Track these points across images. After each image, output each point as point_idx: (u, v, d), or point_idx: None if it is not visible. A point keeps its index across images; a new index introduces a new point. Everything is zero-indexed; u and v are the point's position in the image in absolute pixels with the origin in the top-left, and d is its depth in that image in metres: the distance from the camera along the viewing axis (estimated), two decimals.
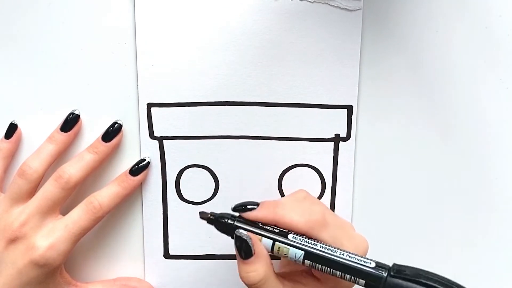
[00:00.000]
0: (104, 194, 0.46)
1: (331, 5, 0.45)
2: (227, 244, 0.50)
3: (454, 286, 0.38)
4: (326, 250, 0.40)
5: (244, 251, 0.41)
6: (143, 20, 0.45)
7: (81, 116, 0.47)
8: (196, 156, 0.48)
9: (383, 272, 0.39)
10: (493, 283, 0.52)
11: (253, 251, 0.41)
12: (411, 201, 0.50)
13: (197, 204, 0.49)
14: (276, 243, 0.41)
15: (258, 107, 0.47)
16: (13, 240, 0.44)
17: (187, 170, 0.49)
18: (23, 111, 0.47)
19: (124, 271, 0.51)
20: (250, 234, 0.41)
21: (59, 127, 0.47)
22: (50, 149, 0.46)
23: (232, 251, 0.49)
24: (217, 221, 0.42)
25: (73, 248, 0.45)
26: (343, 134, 0.48)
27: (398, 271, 0.39)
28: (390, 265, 0.40)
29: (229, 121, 0.47)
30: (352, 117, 0.48)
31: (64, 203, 0.46)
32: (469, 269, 0.51)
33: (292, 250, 0.40)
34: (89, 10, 0.46)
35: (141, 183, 0.48)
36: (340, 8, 0.45)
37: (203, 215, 0.43)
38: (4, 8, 0.46)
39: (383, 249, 0.51)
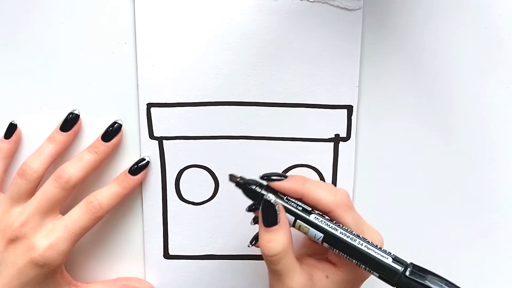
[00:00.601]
0: (104, 194, 0.46)
1: (331, 4, 0.45)
2: (227, 244, 0.50)
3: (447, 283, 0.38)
4: (345, 236, 0.40)
5: (270, 217, 0.40)
6: (143, 20, 0.45)
7: (81, 116, 0.47)
8: (196, 156, 0.48)
9: (400, 269, 0.39)
10: (493, 283, 0.51)
11: (278, 219, 0.40)
12: (411, 201, 0.50)
13: (197, 204, 0.49)
14: (298, 220, 0.41)
15: (258, 107, 0.47)
16: (13, 240, 0.44)
17: (187, 170, 0.49)
18: (23, 111, 0.47)
19: (124, 271, 0.51)
20: (280, 205, 0.40)
21: (59, 127, 0.47)
22: (50, 149, 0.46)
23: (232, 251, 0.50)
24: (245, 186, 0.42)
25: (73, 248, 0.45)
26: (343, 134, 0.48)
27: (414, 271, 0.39)
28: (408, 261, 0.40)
29: (229, 121, 0.47)
30: (352, 117, 0.48)
31: (64, 203, 0.46)
32: (470, 268, 0.51)
33: (312, 231, 0.40)
34: (89, 10, 0.46)
35: (141, 183, 0.48)
36: (340, 7, 0.45)
37: (232, 178, 0.43)
38: (4, 9, 0.46)
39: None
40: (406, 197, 0.50)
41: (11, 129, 0.47)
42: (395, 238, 0.50)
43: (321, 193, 0.41)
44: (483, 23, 0.46)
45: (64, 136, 0.47)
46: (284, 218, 0.40)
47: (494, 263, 0.51)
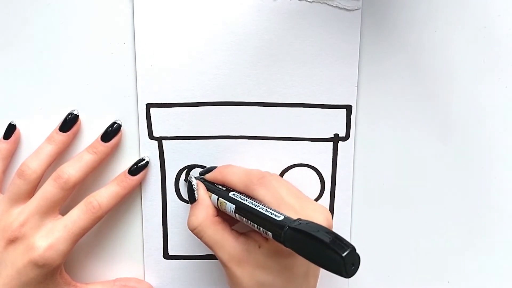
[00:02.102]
0: (103, 194, 0.46)
1: (330, 5, 0.45)
2: None
3: (337, 240, 0.36)
4: (248, 204, 0.42)
5: (190, 194, 0.46)
6: (142, 20, 0.45)
7: (80, 116, 0.47)
8: (196, 156, 0.48)
9: (285, 225, 0.38)
10: (493, 283, 0.51)
11: (196, 196, 0.45)
12: (410, 201, 0.50)
13: None
14: (219, 198, 0.44)
15: (257, 107, 0.47)
16: (12, 241, 0.44)
17: (186, 170, 0.49)
18: (22, 111, 0.47)
19: (123, 272, 0.51)
20: (198, 183, 0.46)
21: (58, 127, 0.47)
22: (49, 150, 0.46)
23: None
24: (188, 181, 0.47)
25: (73, 248, 0.45)
26: (342, 134, 0.48)
27: (297, 226, 0.38)
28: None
29: (228, 121, 0.47)
30: (351, 116, 0.48)
31: (64, 203, 0.46)
32: (469, 268, 0.51)
33: (228, 204, 0.43)
34: (88, 11, 0.46)
35: (141, 184, 0.48)
36: (339, 8, 0.45)
37: (185, 179, 0.49)
38: (3, 9, 0.46)
39: (382, 249, 0.51)
40: (405, 196, 0.50)
41: (10, 129, 0.47)
42: (394, 237, 0.50)
43: (232, 177, 0.45)
44: (482, 23, 0.46)
45: (63, 136, 0.46)
46: (203, 196, 0.45)
47: (493, 263, 0.51)
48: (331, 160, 0.48)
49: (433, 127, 0.48)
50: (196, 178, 0.47)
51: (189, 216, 0.45)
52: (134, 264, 0.50)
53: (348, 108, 0.47)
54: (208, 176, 0.47)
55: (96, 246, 0.50)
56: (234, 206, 0.43)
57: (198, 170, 0.48)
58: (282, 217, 0.40)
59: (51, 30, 0.46)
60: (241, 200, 0.43)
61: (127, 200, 0.49)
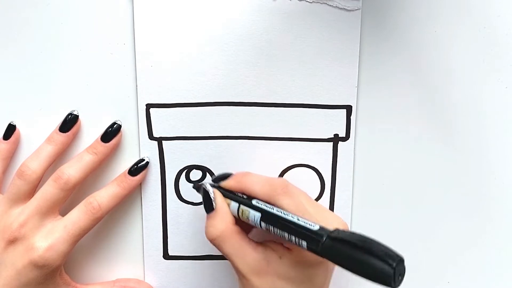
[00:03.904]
0: (103, 195, 0.46)
1: (330, 5, 0.45)
2: None
3: (386, 250, 0.36)
4: (278, 212, 0.41)
5: (206, 204, 0.44)
6: (141, 20, 0.45)
7: (80, 117, 0.47)
8: (196, 157, 0.48)
9: (323, 235, 0.38)
10: (493, 283, 0.52)
11: (214, 205, 0.44)
12: (410, 201, 0.50)
13: (196, 205, 0.49)
14: (241, 206, 0.43)
15: (257, 108, 0.47)
16: (12, 241, 0.44)
17: (186, 170, 0.48)
18: (22, 111, 0.47)
19: (123, 272, 0.51)
20: (215, 191, 0.44)
21: (58, 127, 0.47)
22: (49, 150, 0.46)
23: None
24: (199, 187, 0.46)
25: (73, 249, 0.45)
26: (342, 134, 0.48)
27: (336, 236, 0.37)
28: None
29: (228, 121, 0.47)
30: (351, 117, 0.48)
31: (64, 204, 0.46)
32: (469, 268, 0.51)
33: (252, 212, 0.42)
34: (87, 11, 0.46)
35: (141, 184, 0.48)
36: (339, 8, 0.45)
37: (194, 186, 0.47)
38: (3, 9, 0.46)
39: None
40: (405, 196, 0.50)
41: (10, 129, 0.47)
42: (394, 237, 0.50)
43: (254, 186, 0.44)
44: (482, 23, 0.46)
45: (63, 137, 0.46)
46: (221, 205, 0.44)
47: (493, 263, 0.51)
48: (331, 160, 0.48)
49: (433, 127, 0.48)
50: (211, 185, 0.45)
51: (208, 227, 0.44)
52: (134, 265, 0.50)
53: (348, 109, 0.47)
54: (225, 184, 0.45)
55: (96, 247, 0.50)
56: (260, 214, 0.42)
57: (210, 178, 0.48)
58: (317, 227, 0.39)
59: (51, 30, 0.46)
60: (268, 209, 0.42)
61: (127, 200, 0.49)
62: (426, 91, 0.47)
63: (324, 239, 0.37)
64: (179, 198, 0.49)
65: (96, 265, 0.50)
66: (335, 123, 0.48)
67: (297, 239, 0.39)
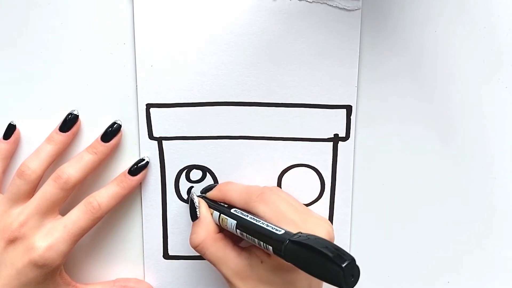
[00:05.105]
0: (103, 194, 0.46)
1: (330, 5, 0.45)
2: None
3: (337, 251, 0.36)
4: (249, 219, 0.42)
5: (191, 211, 0.46)
6: (141, 20, 0.45)
7: (80, 117, 0.47)
8: (195, 157, 0.48)
9: (285, 239, 0.38)
10: (493, 283, 0.51)
11: (198, 214, 0.46)
12: (410, 201, 0.50)
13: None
14: (221, 215, 0.45)
15: (257, 107, 0.47)
16: (12, 241, 0.44)
17: (186, 170, 0.49)
18: (22, 111, 0.47)
19: (123, 272, 0.51)
20: (200, 200, 0.47)
21: (58, 127, 0.47)
22: (49, 150, 0.46)
23: None
24: (189, 199, 0.47)
25: (72, 248, 0.45)
26: (342, 134, 0.48)
27: (296, 239, 0.38)
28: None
29: (228, 121, 0.47)
30: (351, 117, 0.48)
31: (63, 204, 0.46)
32: (469, 268, 0.51)
33: (230, 221, 0.44)
34: (88, 11, 0.46)
35: (141, 184, 0.48)
36: (339, 8, 0.45)
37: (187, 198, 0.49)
38: (3, 9, 0.46)
39: (382, 249, 0.51)
40: (405, 196, 0.50)
41: (10, 129, 0.47)
42: (394, 237, 0.50)
43: (232, 194, 0.46)
44: (481, 23, 0.46)
45: (63, 136, 0.46)
46: (204, 213, 0.46)
47: (493, 263, 0.51)
48: (331, 160, 0.48)
49: (433, 127, 0.48)
50: (198, 196, 0.47)
51: (191, 234, 0.45)
52: (134, 265, 0.50)
53: (348, 108, 0.47)
54: (209, 194, 0.48)
55: (96, 247, 0.50)
56: (236, 222, 0.43)
57: (199, 188, 0.49)
58: (282, 231, 0.39)
59: (51, 30, 0.46)
60: (242, 216, 0.43)
61: (127, 200, 0.49)
62: (426, 91, 0.47)
63: (286, 243, 0.38)
64: (179, 198, 0.49)
65: (96, 265, 0.50)
66: (335, 123, 0.48)
67: (264, 244, 0.40)
